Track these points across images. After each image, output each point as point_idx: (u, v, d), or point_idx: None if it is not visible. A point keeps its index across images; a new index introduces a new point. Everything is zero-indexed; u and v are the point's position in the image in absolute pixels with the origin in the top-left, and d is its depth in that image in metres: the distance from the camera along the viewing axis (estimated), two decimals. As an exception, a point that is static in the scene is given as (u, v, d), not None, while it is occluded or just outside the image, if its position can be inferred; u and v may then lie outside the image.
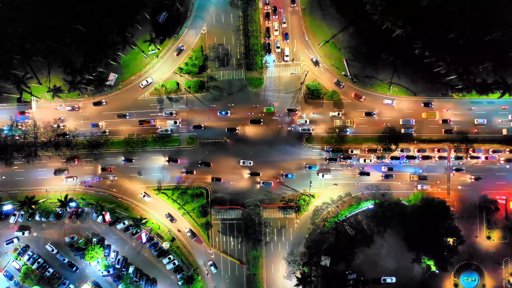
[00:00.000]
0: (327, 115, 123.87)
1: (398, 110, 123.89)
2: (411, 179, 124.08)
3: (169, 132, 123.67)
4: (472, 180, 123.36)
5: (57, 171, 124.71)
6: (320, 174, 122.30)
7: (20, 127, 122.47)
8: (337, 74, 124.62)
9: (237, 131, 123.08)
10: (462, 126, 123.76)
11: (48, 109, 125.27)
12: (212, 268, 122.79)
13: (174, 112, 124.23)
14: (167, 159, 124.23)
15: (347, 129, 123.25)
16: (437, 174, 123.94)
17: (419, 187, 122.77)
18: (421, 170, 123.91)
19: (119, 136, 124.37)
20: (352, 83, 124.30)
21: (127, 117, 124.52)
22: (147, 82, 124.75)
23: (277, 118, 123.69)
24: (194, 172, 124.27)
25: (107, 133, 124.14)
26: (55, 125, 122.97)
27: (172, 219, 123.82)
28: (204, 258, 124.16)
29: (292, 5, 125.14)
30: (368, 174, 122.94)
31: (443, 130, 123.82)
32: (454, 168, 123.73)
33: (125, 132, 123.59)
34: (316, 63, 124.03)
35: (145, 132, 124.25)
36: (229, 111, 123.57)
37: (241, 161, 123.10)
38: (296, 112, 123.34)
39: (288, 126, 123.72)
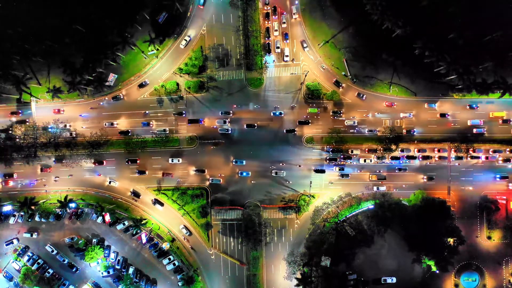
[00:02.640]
0: (394, 115, 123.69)
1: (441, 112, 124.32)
2: (370, 179, 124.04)
3: (229, 132, 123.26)
4: (425, 180, 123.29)
5: (6, 175, 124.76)
6: (273, 172, 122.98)
7: (68, 126, 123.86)
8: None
9: (295, 133, 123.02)
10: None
11: (78, 106, 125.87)
12: (184, 230, 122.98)
13: (231, 112, 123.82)
14: (93, 161, 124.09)
15: (415, 130, 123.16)
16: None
17: (375, 188, 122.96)
18: (357, 169, 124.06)
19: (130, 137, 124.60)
20: (352, 84, 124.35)
21: (184, 115, 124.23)
22: (186, 41, 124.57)
23: (346, 120, 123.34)
24: (147, 172, 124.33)
25: (167, 132, 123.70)
26: (108, 123, 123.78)
27: (136, 194, 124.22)
28: (175, 226, 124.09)
29: (304, 48, 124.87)
30: (323, 171, 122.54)
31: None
32: (396, 168, 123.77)
33: (187, 131, 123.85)
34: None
35: (201, 131, 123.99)
36: (282, 112, 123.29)
37: (170, 159, 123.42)
38: (341, 114, 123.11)
39: (351, 128, 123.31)
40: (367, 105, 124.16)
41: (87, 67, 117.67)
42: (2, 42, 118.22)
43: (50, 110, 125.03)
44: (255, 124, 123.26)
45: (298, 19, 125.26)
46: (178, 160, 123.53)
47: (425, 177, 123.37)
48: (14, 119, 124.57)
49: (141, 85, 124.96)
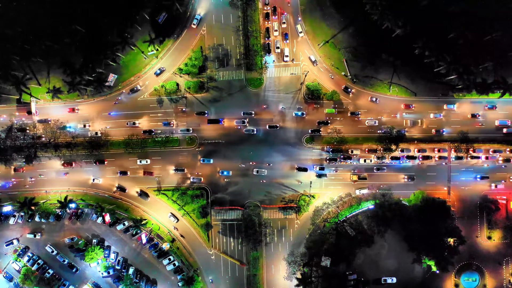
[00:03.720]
0: (423, 114, 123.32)
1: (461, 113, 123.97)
2: (351, 179, 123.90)
3: (254, 133, 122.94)
4: (405, 179, 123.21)
5: None
6: (254, 170, 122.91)
7: (88, 126, 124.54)
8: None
9: (320, 133, 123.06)
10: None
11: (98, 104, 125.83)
12: (172, 218, 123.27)
13: (253, 112, 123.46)
14: (62, 162, 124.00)
15: (444, 130, 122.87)
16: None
17: (357, 192, 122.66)
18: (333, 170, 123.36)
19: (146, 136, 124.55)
20: (352, 83, 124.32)
21: (206, 115, 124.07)
22: (197, 19, 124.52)
23: (366, 121, 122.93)
24: (128, 172, 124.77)
25: (191, 131, 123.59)
26: (131, 123, 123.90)
27: (122, 189, 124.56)
28: (164, 215, 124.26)
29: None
30: (305, 170, 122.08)
31: None
32: (375, 167, 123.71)
33: (210, 132, 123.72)
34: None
35: (223, 131, 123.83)
36: (304, 112, 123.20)
37: (138, 160, 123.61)
38: (359, 115, 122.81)
39: (377, 129, 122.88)
40: (382, 108, 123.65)
41: (87, 67, 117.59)
42: (2, 42, 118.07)
43: (65, 109, 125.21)
44: (278, 125, 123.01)
45: (304, 36, 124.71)
46: (146, 161, 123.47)
47: (406, 177, 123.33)
48: (36, 118, 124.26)
49: (157, 73, 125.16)
